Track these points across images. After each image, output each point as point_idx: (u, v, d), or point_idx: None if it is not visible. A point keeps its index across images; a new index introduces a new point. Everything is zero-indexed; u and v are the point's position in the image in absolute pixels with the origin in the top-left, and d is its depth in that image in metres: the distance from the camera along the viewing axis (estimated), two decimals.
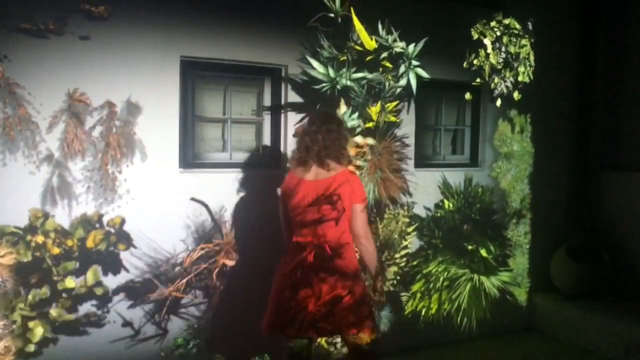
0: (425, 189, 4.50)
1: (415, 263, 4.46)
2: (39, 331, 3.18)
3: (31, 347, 3.17)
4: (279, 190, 3.35)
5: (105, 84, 3.31)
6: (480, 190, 4.74)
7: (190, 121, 3.72)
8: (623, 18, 5.23)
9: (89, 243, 3.31)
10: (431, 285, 4.53)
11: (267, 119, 3.99)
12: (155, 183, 3.50)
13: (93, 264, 3.34)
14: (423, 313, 4.53)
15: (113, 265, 3.40)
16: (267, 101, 3.98)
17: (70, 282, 3.27)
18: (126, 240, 3.43)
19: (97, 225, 3.34)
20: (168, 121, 3.53)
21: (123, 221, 3.41)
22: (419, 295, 4.50)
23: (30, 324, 3.17)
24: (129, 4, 3.34)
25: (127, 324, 3.46)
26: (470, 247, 4.67)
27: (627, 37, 5.20)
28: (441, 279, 4.57)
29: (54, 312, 3.22)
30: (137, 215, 3.45)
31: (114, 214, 3.39)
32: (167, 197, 3.54)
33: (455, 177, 4.67)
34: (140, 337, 3.52)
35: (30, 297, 3.16)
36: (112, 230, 3.38)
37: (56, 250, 3.21)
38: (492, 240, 4.79)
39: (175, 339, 3.61)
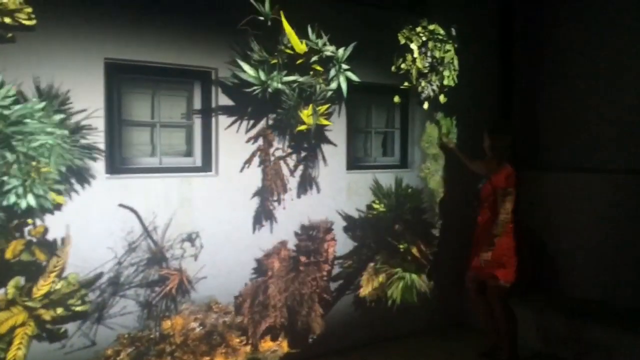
0: (356, 191, 4.58)
1: (347, 265, 4.54)
2: None
3: None
4: None
5: (29, 85, 3.17)
6: (410, 190, 4.87)
7: (116, 125, 3.61)
8: (538, 21, 5.54)
9: (8, 254, 3.14)
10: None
11: (197, 123, 3.94)
12: (80, 189, 3.37)
13: (15, 275, 3.18)
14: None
15: (37, 275, 3.25)
16: (197, 104, 3.93)
17: None
18: (49, 250, 3.28)
19: (17, 235, 3.18)
20: (95, 125, 3.41)
21: (46, 230, 3.26)
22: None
23: None
24: (53, 5, 3.21)
25: (53, 336, 3.31)
26: (401, 247, 4.79)
27: (542, 40, 5.51)
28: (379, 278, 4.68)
29: None
30: (62, 223, 3.31)
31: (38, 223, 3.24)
32: (93, 204, 3.42)
33: (386, 179, 4.78)
34: (67, 349, 3.38)
35: None
36: (34, 240, 3.22)
37: None
38: (422, 238, 4.94)
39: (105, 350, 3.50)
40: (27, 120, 3.11)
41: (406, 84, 4.78)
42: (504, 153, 4.36)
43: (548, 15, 5.47)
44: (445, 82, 4.99)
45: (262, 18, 3.92)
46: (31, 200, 3.16)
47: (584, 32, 5.20)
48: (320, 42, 4.18)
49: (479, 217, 4.46)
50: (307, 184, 4.30)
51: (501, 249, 4.20)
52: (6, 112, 3.05)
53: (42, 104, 3.17)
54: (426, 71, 4.87)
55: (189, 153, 3.96)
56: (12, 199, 3.11)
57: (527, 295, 5.02)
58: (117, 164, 3.61)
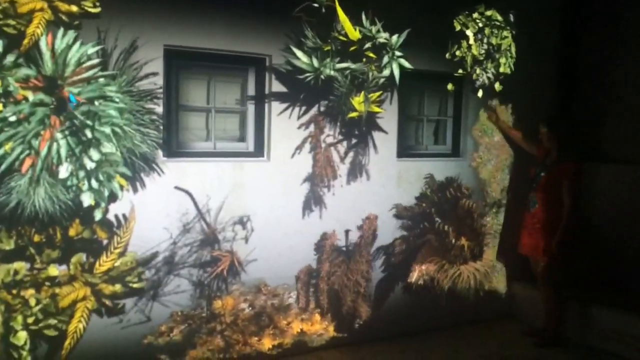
0: (407, 179, 4.56)
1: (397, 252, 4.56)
2: (19, 319, 3.19)
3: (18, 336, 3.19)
4: None
5: None
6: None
7: (174, 110, 3.72)
8: (604, 11, 5.31)
9: (71, 232, 3.31)
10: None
11: (251, 109, 4.00)
12: (139, 172, 3.50)
13: (77, 252, 3.35)
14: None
15: (98, 252, 3.41)
16: (251, 91, 3.99)
17: (54, 270, 3.28)
18: (109, 228, 3.43)
19: (81, 214, 3.34)
20: (155, 110, 3.53)
21: (107, 210, 3.41)
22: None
23: (14, 314, 3.18)
24: None
25: (112, 310, 3.49)
26: (452, 237, 4.76)
27: (609, 30, 5.28)
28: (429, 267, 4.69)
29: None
30: (122, 203, 3.46)
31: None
32: (151, 186, 3.55)
33: (438, 168, 4.73)
34: (124, 324, 3.54)
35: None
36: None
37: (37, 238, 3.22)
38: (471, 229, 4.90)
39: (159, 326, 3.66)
40: (97, 102, 3.24)
41: (460, 71, 4.70)
42: (563, 144, 4.42)
43: (618, 2, 5.22)
44: (502, 70, 4.87)
45: (316, 5, 3.92)
46: (102, 189, 3.33)
47: None
48: (374, 29, 4.15)
49: (537, 207, 4.53)
50: (357, 171, 4.32)
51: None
52: (76, 90, 3.17)
53: (114, 86, 3.29)
54: (482, 58, 4.77)
55: (242, 138, 4.04)
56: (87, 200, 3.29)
57: (583, 288, 4.91)
58: (174, 148, 3.73)
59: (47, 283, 3.28)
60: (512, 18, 4.89)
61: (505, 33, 4.86)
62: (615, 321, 4.42)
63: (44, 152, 3.13)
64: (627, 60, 5.14)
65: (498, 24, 4.80)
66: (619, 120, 5.22)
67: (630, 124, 5.11)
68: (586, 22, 5.37)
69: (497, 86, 4.89)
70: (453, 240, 4.78)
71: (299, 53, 3.90)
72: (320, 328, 4.28)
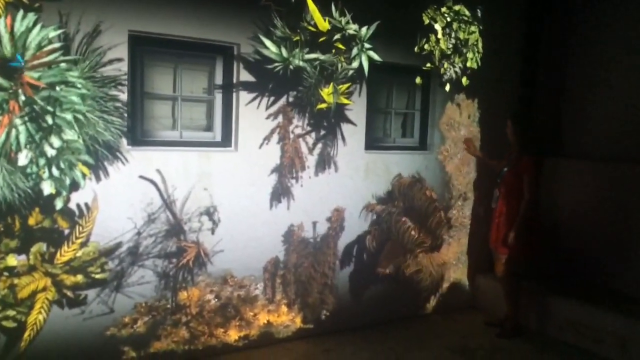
0: (374, 171, 4.58)
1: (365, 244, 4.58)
2: None
3: None
4: None
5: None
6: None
7: (139, 98, 3.65)
8: (566, 7, 5.43)
9: (31, 221, 3.22)
10: None
11: (218, 98, 3.95)
12: (102, 160, 3.43)
13: (37, 242, 3.26)
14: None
15: (59, 242, 3.33)
16: (218, 80, 3.94)
17: (12, 260, 3.19)
18: (70, 218, 3.35)
19: (41, 202, 3.25)
20: (119, 97, 3.45)
21: (68, 199, 3.33)
22: None
23: None
24: None
25: (73, 301, 3.41)
26: (412, 232, 4.82)
27: (571, 26, 5.41)
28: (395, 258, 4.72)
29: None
30: (84, 192, 3.37)
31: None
32: (114, 175, 3.48)
33: (405, 160, 4.77)
34: (86, 315, 3.47)
35: None
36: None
37: None
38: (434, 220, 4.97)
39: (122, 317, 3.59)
40: (58, 88, 3.15)
41: (428, 65, 4.74)
42: (525, 140, 4.53)
43: None
44: (469, 64, 4.93)
45: None
46: (63, 177, 3.24)
47: (615, 17, 5.08)
48: (343, 20, 4.15)
49: (499, 201, 4.61)
50: (325, 162, 4.32)
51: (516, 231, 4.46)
52: (36, 75, 3.08)
53: (76, 71, 3.20)
54: (449, 52, 4.82)
55: (209, 128, 3.99)
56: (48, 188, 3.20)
57: (543, 280, 5.03)
58: (139, 136, 3.65)
59: (6, 273, 3.19)
60: (479, 13, 4.95)
61: (472, 28, 4.92)
62: (573, 312, 4.54)
63: (2, 138, 3.03)
64: (586, 58, 5.28)
65: (466, 18, 4.86)
66: (578, 116, 5.36)
67: (589, 120, 5.25)
68: (548, 21, 5.48)
69: (464, 80, 4.95)
70: (418, 234, 4.83)
71: (267, 42, 3.87)
72: (287, 319, 4.28)
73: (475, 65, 4.97)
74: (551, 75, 5.52)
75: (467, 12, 4.86)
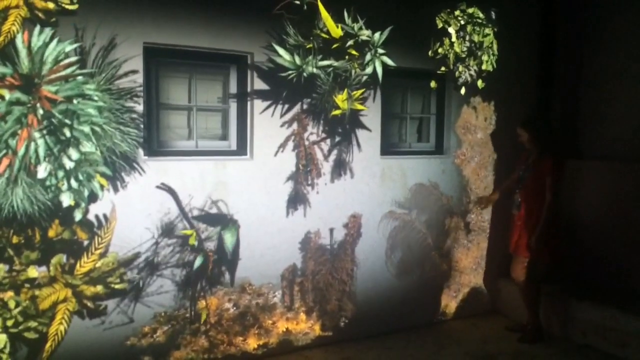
0: (390, 176, 4.56)
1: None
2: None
3: None
4: None
5: None
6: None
7: (154, 108, 3.68)
8: (581, 8, 5.36)
9: (51, 233, 3.26)
10: None
11: (233, 107, 3.98)
12: (120, 171, 3.46)
13: (57, 253, 3.30)
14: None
15: (78, 253, 3.36)
16: (233, 89, 3.96)
17: (33, 272, 3.23)
18: (89, 229, 3.38)
19: (60, 214, 3.29)
20: (135, 108, 3.49)
21: (87, 211, 3.37)
22: None
23: None
24: None
25: (93, 312, 3.44)
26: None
27: (586, 27, 5.34)
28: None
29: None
30: (102, 203, 3.41)
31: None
32: (132, 186, 3.51)
33: (421, 165, 4.74)
34: (106, 325, 3.50)
35: None
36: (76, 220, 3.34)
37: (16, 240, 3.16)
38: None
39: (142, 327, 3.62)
40: (75, 101, 3.19)
41: (443, 68, 4.71)
42: (543, 143, 4.49)
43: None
44: (484, 67, 4.89)
45: (298, 2, 3.90)
46: (82, 189, 3.28)
47: (634, 14, 5.00)
48: (356, 26, 4.15)
49: (521, 202, 4.57)
50: (340, 168, 4.31)
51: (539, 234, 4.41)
52: (53, 88, 3.12)
53: (93, 84, 3.25)
54: (464, 56, 4.78)
55: (224, 137, 4.01)
56: (67, 200, 3.25)
57: (565, 283, 4.95)
58: (155, 147, 3.69)
59: (27, 285, 3.23)
60: (493, 15, 4.91)
61: (487, 30, 4.88)
62: (596, 316, 4.45)
63: (21, 151, 3.07)
64: (604, 57, 5.20)
65: (480, 21, 4.83)
66: (596, 116, 5.27)
67: (608, 120, 5.17)
68: (565, 20, 5.41)
69: (479, 83, 4.91)
70: (435, 239, 4.80)
71: (281, 51, 3.88)
72: (305, 327, 4.27)
73: (490, 68, 4.93)
74: (568, 75, 5.45)
75: (481, 15, 4.83)
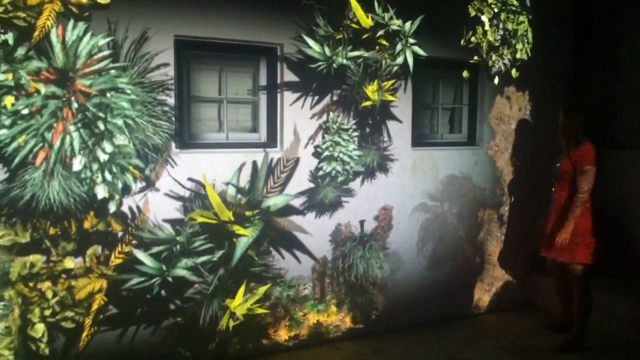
0: (421, 168, 4.50)
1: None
2: (37, 312, 3.22)
3: (36, 328, 3.22)
4: None
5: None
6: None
7: (186, 101, 3.71)
8: None
9: (86, 224, 3.32)
10: None
11: (263, 99, 3.97)
12: (152, 164, 3.50)
13: (92, 245, 3.36)
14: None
15: (114, 245, 3.42)
16: (263, 81, 3.96)
17: (69, 263, 3.29)
18: (123, 221, 3.43)
19: (95, 206, 3.35)
20: (167, 101, 3.52)
21: (121, 202, 3.42)
22: None
23: (31, 307, 3.20)
24: None
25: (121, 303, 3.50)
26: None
27: (622, 13, 5.15)
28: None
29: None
30: (135, 195, 3.46)
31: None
32: (164, 178, 3.55)
33: (453, 156, 4.67)
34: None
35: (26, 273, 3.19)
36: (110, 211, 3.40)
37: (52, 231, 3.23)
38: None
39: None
40: (109, 94, 3.24)
41: (476, 58, 4.62)
42: (580, 130, 4.21)
43: None
44: (518, 56, 4.78)
45: None
46: (116, 181, 3.34)
47: None
48: (386, 16, 4.09)
49: (555, 195, 4.32)
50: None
51: (577, 229, 4.11)
52: (87, 82, 3.17)
53: (125, 77, 3.29)
54: (497, 44, 4.68)
55: (254, 129, 4.01)
56: (101, 192, 3.30)
57: (602, 277, 4.80)
58: (186, 139, 3.71)
59: (63, 275, 3.30)
60: (528, 2, 4.78)
61: (521, 18, 4.76)
62: (635, 309, 4.32)
63: (57, 144, 3.13)
64: None
65: (514, 8, 4.71)
66: (634, 105, 5.09)
67: None
68: (600, 7, 5.23)
69: (513, 73, 4.80)
70: (468, 231, 4.72)
71: (310, 42, 3.86)
72: (336, 319, 4.26)
73: (525, 57, 4.81)
74: (605, 63, 5.27)
75: (515, 2, 4.71)
